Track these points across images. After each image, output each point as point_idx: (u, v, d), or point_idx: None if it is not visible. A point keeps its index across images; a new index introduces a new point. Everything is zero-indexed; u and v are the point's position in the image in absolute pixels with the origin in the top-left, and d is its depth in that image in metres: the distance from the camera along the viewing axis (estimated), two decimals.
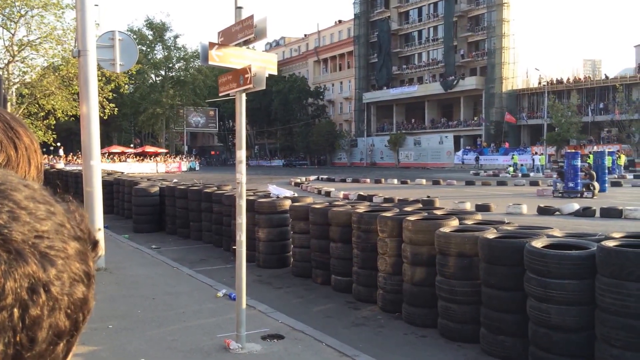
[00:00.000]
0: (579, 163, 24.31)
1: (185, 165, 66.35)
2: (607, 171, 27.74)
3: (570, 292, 4.90)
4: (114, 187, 19.85)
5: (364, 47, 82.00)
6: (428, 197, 20.84)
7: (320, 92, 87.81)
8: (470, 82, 67.42)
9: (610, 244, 4.87)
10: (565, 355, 4.96)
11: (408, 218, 6.91)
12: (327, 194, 26.39)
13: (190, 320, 6.64)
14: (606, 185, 26.94)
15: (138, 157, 63.68)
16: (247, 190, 13.23)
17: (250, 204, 10.10)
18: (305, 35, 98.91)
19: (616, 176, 35.45)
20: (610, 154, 33.77)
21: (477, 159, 58.58)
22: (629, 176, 36.91)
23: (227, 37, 5.70)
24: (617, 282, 4.55)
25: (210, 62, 5.56)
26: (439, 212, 7.92)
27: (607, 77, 62.06)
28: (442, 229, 6.36)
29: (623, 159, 42.52)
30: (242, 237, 5.79)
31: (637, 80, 57.30)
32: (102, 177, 11.71)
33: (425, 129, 73.82)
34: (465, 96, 69.32)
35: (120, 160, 60.22)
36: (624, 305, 4.50)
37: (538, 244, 5.33)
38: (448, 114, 74.19)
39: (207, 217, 13.20)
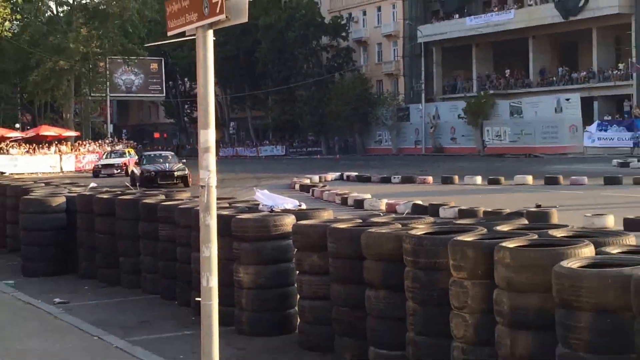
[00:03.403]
0: None
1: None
2: None
3: None
4: None
5: None
6: (538, 207, 20.68)
7: (341, 26, 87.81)
8: (609, 2, 66.87)
9: None
10: None
11: (504, 244, 6.84)
12: (359, 203, 26.36)
13: None
14: None
15: (28, 145, 64.16)
16: (219, 199, 13.26)
17: (224, 222, 10.09)
18: None
19: None
20: None
21: (636, 143, 57.91)
22: None
23: None
24: None
25: None
26: (558, 234, 7.84)
27: None
28: (565, 263, 6.29)
29: None
30: (211, 281, 5.80)
31: None
32: None
33: (529, 87, 73.52)
34: (601, 27, 68.91)
35: None
36: None
37: None
38: (570, 60, 73.83)
39: (148, 249, 13.24)
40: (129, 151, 60.50)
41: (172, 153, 51.25)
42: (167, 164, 41.58)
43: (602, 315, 5.94)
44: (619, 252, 6.97)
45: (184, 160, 44.20)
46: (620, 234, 8.24)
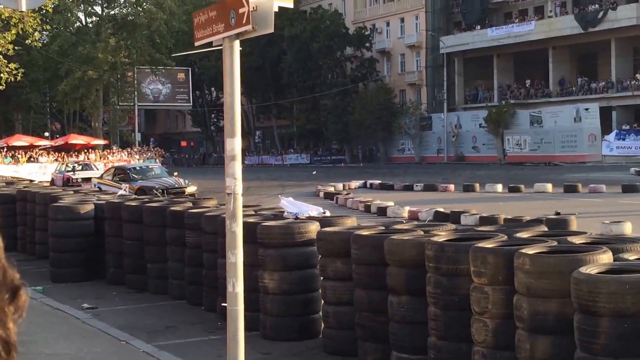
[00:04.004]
0: None
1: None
2: None
3: None
4: (18, 206, 20.05)
5: None
6: (557, 214, 20.63)
7: (365, 36, 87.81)
8: (627, 14, 66.58)
9: None
10: None
11: (524, 251, 6.86)
12: (382, 211, 26.38)
13: None
14: None
15: (58, 153, 64.30)
16: (245, 206, 13.31)
17: (250, 230, 10.13)
18: None
19: None
20: None
21: None
22: None
23: None
24: None
25: None
26: (577, 241, 7.84)
27: None
28: (584, 269, 6.29)
29: None
30: (237, 286, 5.82)
31: None
32: None
33: (549, 97, 73.23)
34: (620, 38, 68.53)
35: (28, 159, 60.92)
36: None
37: None
38: (589, 71, 73.50)
39: (176, 255, 13.29)
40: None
41: (159, 164, 47.98)
42: (166, 179, 34.31)
43: (619, 320, 5.95)
44: (636, 259, 6.98)
45: (176, 173, 39.36)
46: (638, 240, 8.23)
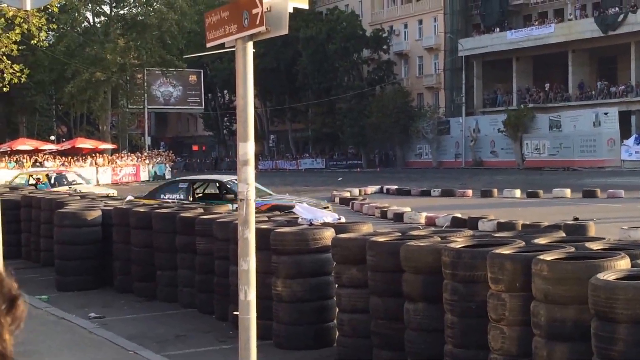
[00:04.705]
0: None
1: (146, 171, 67.05)
2: None
3: None
4: (22, 212, 19.98)
5: None
6: (576, 219, 20.60)
7: (383, 38, 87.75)
8: None
9: None
10: None
11: (541, 257, 6.89)
12: (399, 217, 26.39)
13: None
14: None
15: (64, 157, 64.24)
16: (258, 212, 13.33)
17: (263, 236, 10.17)
18: None
19: None
20: None
21: None
22: None
23: None
24: None
25: None
26: (595, 247, 7.87)
27: None
28: (601, 276, 6.33)
29: None
30: (249, 294, 5.87)
31: None
32: (1, 193, 11.81)
33: (568, 101, 73.07)
34: (639, 42, 68.37)
35: (33, 163, 60.89)
36: None
37: None
38: (609, 74, 73.31)
39: (186, 262, 13.30)
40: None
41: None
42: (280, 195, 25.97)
43: (637, 326, 5.99)
44: None
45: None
46: None
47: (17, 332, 1.59)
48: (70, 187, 27.33)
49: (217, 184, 21.97)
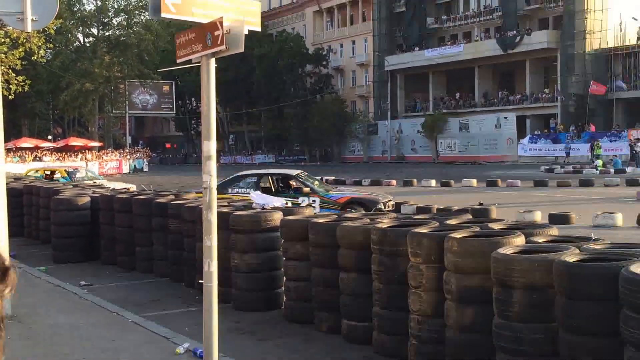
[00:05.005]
0: None
1: (127, 165, 66.46)
2: None
3: None
4: (24, 198, 19.88)
5: None
6: (481, 204, 20.82)
7: (322, 56, 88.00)
8: (539, 39, 67.32)
9: None
10: None
11: (452, 235, 6.92)
12: None
13: None
14: None
15: (59, 153, 63.65)
16: (219, 198, 13.26)
17: (223, 218, 10.12)
18: None
19: None
20: None
21: (567, 152, 57.87)
22: None
23: None
24: None
25: (163, 15, 5.56)
26: (496, 226, 7.92)
27: None
28: (501, 250, 6.37)
29: None
30: (212, 266, 5.82)
31: None
32: (7, 183, 11.71)
33: (475, 108, 73.83)
34: (533, 59, 69.25)
35: (33, 158, 60.23)
36: None
37: (639, 269, 5.32)
38: (508, 85, 74.17)
39: (160, 240, 13.24)
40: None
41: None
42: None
43: (530, 292, 6.04)
44: (544, 241, 7.07)
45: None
46: (546, 226, 8.34)
47: (8, 296, 1.57)
48: (94, 182, 25.60)
49: (285, 177, 18.68)
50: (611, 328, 5.36)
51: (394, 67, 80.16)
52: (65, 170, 30.41)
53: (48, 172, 29.67)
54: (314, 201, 16.52)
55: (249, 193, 15.80)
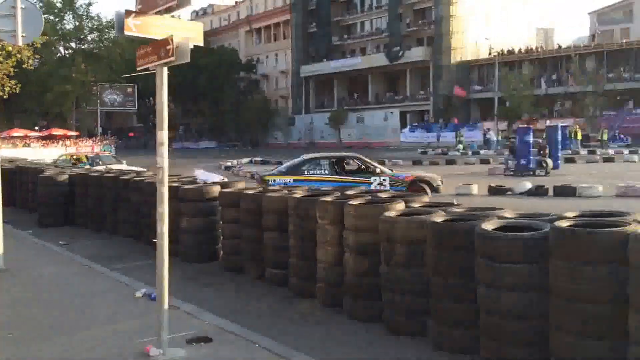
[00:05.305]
0: (531, 139, 25.18)
1: (98, 149, 64.62)
2: (559, 147, 28.77)
3: (522, 277, 5.00)
4: (16, 177, 19.18)
5: (301, 16, 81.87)
6: None
7: (252, 65, 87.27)
8: (417, 53, 68.45)
9: (564, 224, 4.98)
10: (518, 344, 5.06)
11: (350, 202, 6.92)
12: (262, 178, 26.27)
13: (106, 325, 6.47)
14: (559, 162, 27.96)
15: (43, 141, 61.64)
16: (171, 175, 12.96)
17: (173, 191, 9.90)
18: (236, 2, 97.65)
19: (570, 152, 36.87)
20: (564, 128, 35.07)
21: (438, 137, 58.36)
22: (583, 152, 38.52)
23: (147, 4, 5.56)
24: (572, 265, 4.67)
25: (126, 33, 5.40)
26: (384, 196, 7.98)
27: (560, 47, 64.32)
28: (386, 214, 6.40)
29: (580, 134, 44.49)
30: (163, 228, 5.68)
31: (591, 50, 59.54)
32: (2, 165, 11.31)
33: (369, 105, 74.57)
34: (412, 68, 70.30)
35: (24, 145, 58.17)
36: (578, 289, 4.62)
37: (489, 226, 5.42)
38: (394, 88, 75.14)
39: (125, 208, 12.90)
40: None
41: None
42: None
43: (408, 245, 6.09)
44: (419, 206, 7.15)
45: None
46: (420, 195, 8.46)
47: None
48: (107, 167, 21.39)
49: (356, 160, 15.49)
50: (469, 271, 5.45)
51: (308, 74, 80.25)
52: (85, 156, 28.38)
53: (75, 158, 27.70)
54: (384, 180, 14.47)
55: (327, 174, 14.24)
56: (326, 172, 14.52)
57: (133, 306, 7.16)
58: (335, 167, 14.88)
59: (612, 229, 4.69)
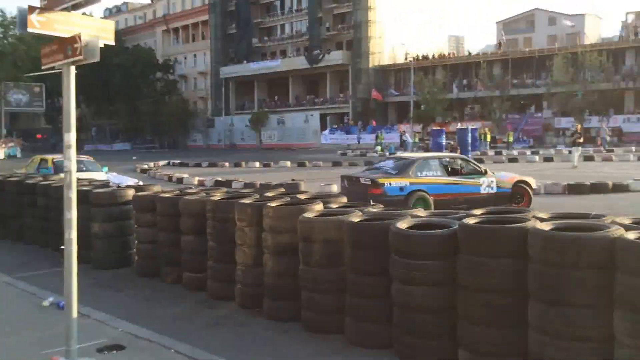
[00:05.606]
0: (444, 141, 25.99)
1: (3, 153, 61.79)
2: (469, 148, 29.79)
3: (433, 273, 5.27)
4: None
5: (220, 16, 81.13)
6: (292, 180, 21.09)
7: (169, 65, 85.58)
8: (336, 57, 69.14)
9: (471, 221, 5.33)
10: (430, 337, 5.33)
11: (269, 204, 6.92)
12: (180, 180, 25.88)
13: (11, 336, 6.20)
14: None
15: None
16: (82, 179, 12.57)
17: (84, 195, 9.62)
18: (152, 0, 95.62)
19: (479, 153, 38.28)
20: (473, 130, 36.61)
21: (359, 139, 58.80)
22: (491, 153, 40.20)
23: (53, 0, 5.34)
24: (478, 259, 4.97)
25: (30, 29, 5.15)
26: (302, 197, 8.02)
27: (470, 54, 67.26)
28: (305, 215, 6.45)
29: (489, 136, 47.10)
30: (71, 234, 5.50)
31: (498, 57, 62.59)
32: None
33: (289, 107, 74.67)
34: (332, 72, 70.94)
35: None
36: (484, 282, 4.93)
37: (403, 225, 5.61)
38: (314, 91, 75.56)
39: (30, 213, 12.38)
40: None
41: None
42: None
43: (326, 244, 6.16)
44: (337, 207, 7.25)
45: None
46: (339, 196, 8.58)
47: None
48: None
49: (463, 161, 14.99)
50: (384, 269, 5.60)
51: (227, 75, 79.56)
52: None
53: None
54: (492, 181, 14.22)
55: (439, 175, 13.59)
56: (438, 173, 13.89)
57: (40, 316, 6.90)
58: (447, 168, 14.39)
59: (513, 225, 5.07)
